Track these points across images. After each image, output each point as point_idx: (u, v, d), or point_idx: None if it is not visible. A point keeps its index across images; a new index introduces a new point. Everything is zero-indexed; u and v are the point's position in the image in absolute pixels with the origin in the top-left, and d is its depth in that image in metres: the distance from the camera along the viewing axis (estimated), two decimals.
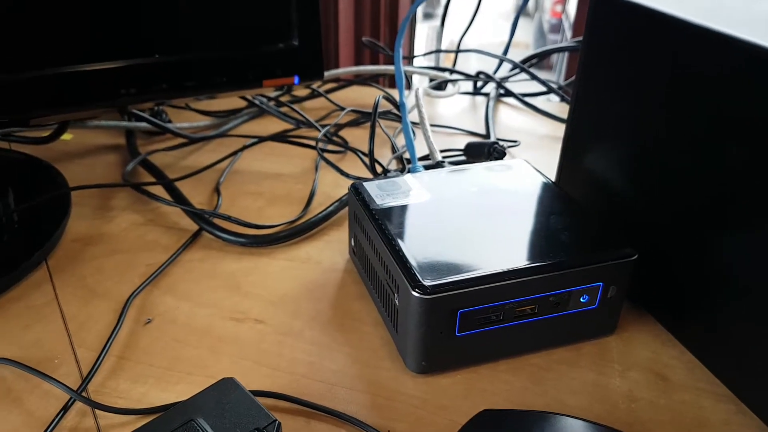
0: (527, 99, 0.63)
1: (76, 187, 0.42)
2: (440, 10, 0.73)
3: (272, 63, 0.43)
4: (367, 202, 0.35)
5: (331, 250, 0.41)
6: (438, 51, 0.65)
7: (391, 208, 0.34)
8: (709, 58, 0.28)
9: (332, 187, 0.48)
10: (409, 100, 0.62)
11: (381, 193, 0.36)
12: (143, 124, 0.52)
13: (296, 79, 0.44)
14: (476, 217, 0.33)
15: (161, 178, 0.46)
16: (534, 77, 0.63)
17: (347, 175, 0.46)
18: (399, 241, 0.31)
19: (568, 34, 3.79)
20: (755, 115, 0.26)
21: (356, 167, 0.50)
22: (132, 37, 0.38)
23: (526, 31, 4.32)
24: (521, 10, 0.67)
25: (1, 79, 0.35)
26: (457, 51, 0.68)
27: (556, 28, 4.02)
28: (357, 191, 0.36)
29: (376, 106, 0.44)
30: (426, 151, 0.47)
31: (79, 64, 0.37)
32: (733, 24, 0.28)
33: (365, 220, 0.34)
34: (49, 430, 0.27)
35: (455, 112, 0.63)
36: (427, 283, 0.28)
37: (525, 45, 3.94)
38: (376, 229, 0.33)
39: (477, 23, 0.74)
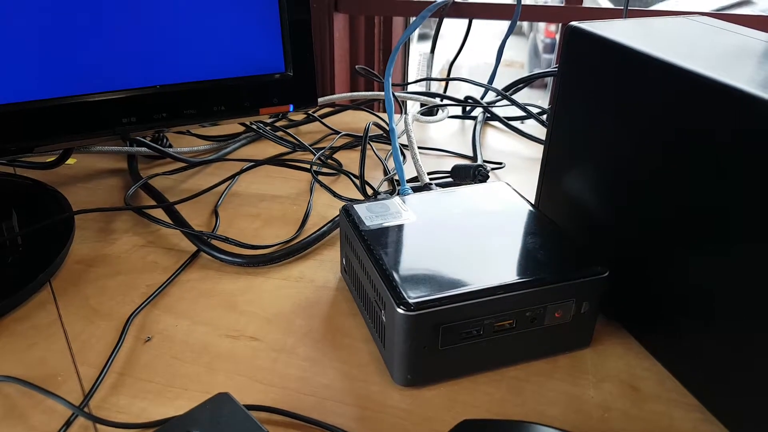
0: (514, 122, 0.66)
1: (79, 210, 0.44)
2: (434, 33, 0.76)
3: (268, 92, 0.45)
4: (357, 224, 0.37)
5: (323, 269, 0.42)
6: (428, 79, 0.68)
7: (379, 229, 0.36)
8: (669, 86, 0.30)
9: (326, 209, 0.50)
10: (400, 125, 0.64)
11: (370, 215, 0.38)
12: (144, 149, 0.54)
13: (291, 107, 0.46)
14: (459, 238, 0.35)
15: (161, 202, 0.48)
16: (515, 103, 0.66)
17: (340, 197, 0.48)
18: (385, 260, 0.33)
19: None
20: (712, 139, 0.28)
21: (349, 189, 0.52)
22: (133, 68, 0.40)
23: (521, 51, 4.39)
24: (507, 36, 0.70)
25: (6, 109, 0.37)
26: (447, 79, 0.71)
27: (550, 47, 4.09)
28: (347, 213, 0.38)
29: (366, 131, 0.46)
30: (415, 174, 0.49)
31: (83, 95, 0.39)
32: (694, 57, 0.30)
33: (355, 240, 0.36)
34: None
35: (445, 135, 0.65)
36: (411, 300, 0.30)
37: (520, 65, 4.01)
38: (364, 248, 0.35)
39: (471, 42, 0.77)
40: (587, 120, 0.37)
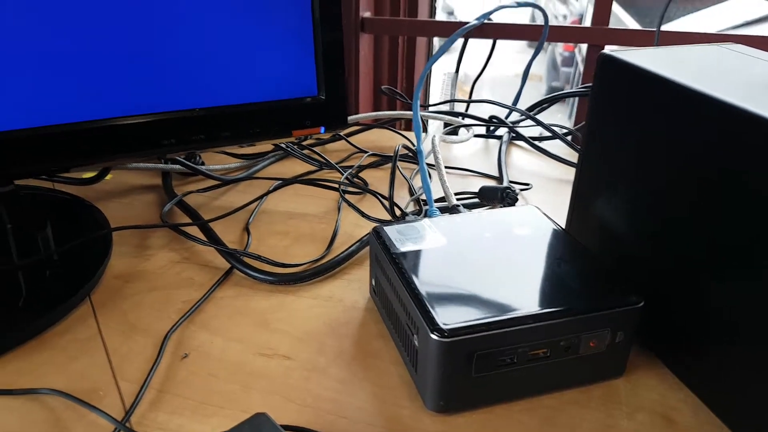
0: (539, 142, 0.66)
1: (117, 227, 0.46)
2: (459, 54, 0.76)
3: (301, 115, 0.46)
4: (388, 246, 0.38)
5: (352, 289, 0.43)
6: (452, 101, 0.69)
7: (410, 252, 0.37)
8: (701, 119, 0.30)
9: (353, 227, 0.51)
10: (426, 145, 0.65)
11: (401, 237, 0.39)
12: (178, 167, 0.56)
13: (322, 129, 0.47)
14: (491, 262, 0.36)
15: (196, 219, 0.49)
16: (540, 124, 0.66)
17: (368, 217, 0.48)
18: (418, 284, 0.33)
19: (581, 67, 3.84)
20: (744, 172, 0.28)
21: (375, 208, 0.53)
22: (173, 92, 0.41)
23: (539, 64, 4.38)
24: (534, 58, 0.70)
25: (50, 130, 0.39)
26: (473, 101, 0.72)
27: (569, 61, 4.08)
28: (378, 235, 0.39)
29: (396, 155, 0.47)
30: (442, 193, 0.50)
31: (125, 117, 0.40)
32: (727, 88, 0.30)
33: (386, 263, 0.37)
34: None
35: (469, 154, 0.66)
36: (445, 326, 0.30)
37: (538, 77, 4.00)
38: (396, 272, 0.35)
39: (493, 56, 0.77)
40: (620, 147, 0.37)
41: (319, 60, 0.45)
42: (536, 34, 0.75)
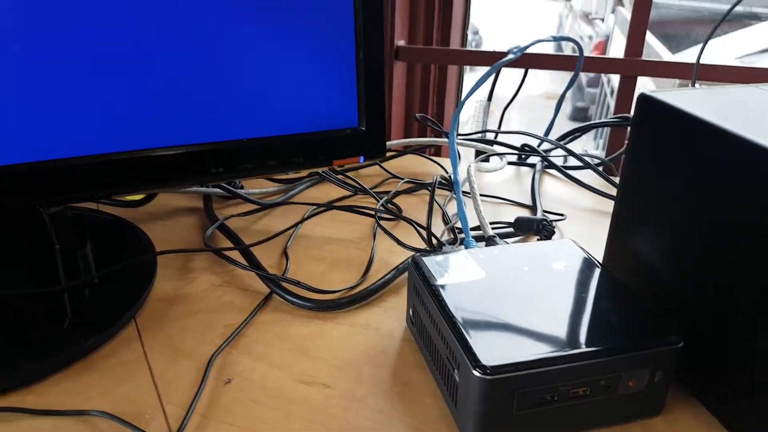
0: (571, 171, 0.67)
1: (162, 251, 0.47)
2: (492, 83, 0.77)
3: (341, 145, 0.48)
4: (427, 278, 0.38)
5: (388, 317, 0.44)
6: (485, 131, 0.70)
7: (450, 285, 0.37)
8: (742, 160, 0.31)
9: (389, 254, 0.52)
10: (460, 171, 0.65)
11: (440, 269, 0.39)
12: (219, 190, 0.57)
13: (361, 159, 0.49)
14: (530, 297, 0.36)
15: (237, 243, 0.50)
16: (573, 154, 0.66)
17: (404, 245, 0.49)
18: (459, 318, 0.34)
19: (607, 89, 3.83)
20: None
21: (410, 234, 0.54)
22: (224, 123, 0.43)
23: (563, 83, 4.38)
24: (569, 88, 0.71)
25: (105, 158, 0.40)
26: (502, 132, 0.72)
27: (594, 81, 4.07)
28: (417, 266, 0.40)
29: (434, 186, 0.48)
30: (476, 221, 0.51)
31: (178, 147, 0.42)
32: (765, 130, 0.30)
33: (425, 294, 0.38)
34: None
35: (500, 181, 0.66)
36: (488, 363, 0.31)
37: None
38: (436, 304, 0.36)
39: (515, 74, 0.78)
40: (659, 185, 0.37)
41: (360, 92, 0.47)
42: (571, 65, 0.76)
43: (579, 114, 4.40)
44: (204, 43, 0.40)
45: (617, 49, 3.62)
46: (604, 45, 4.09)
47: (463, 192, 0.61)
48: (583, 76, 4.37)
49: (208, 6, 0.40)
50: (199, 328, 0.42)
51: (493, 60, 0.81)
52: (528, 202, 0.62)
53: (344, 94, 0.46)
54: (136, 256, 0.47)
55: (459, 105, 0.51)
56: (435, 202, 0.60)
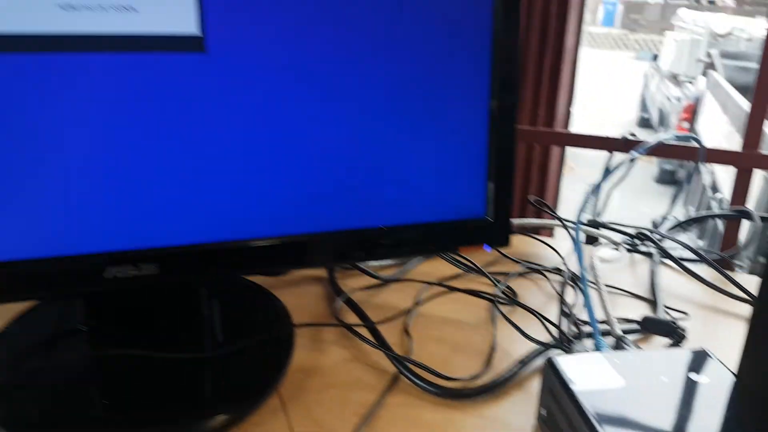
0: (685, 262, 0.65)
1: (301, 324, 0.51)
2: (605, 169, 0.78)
3: (467, 233, 0.50)
4: (566, 382, 0.39)
5: (516, 413, 0.44)
6: (597, 224, 0.70)
7: (589, 392, 0.38)
8: None
9: (508, 342, 0.53)
10: (568, 258, 0.66)
11: (576, 372, 0.40)
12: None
13: (487, 248, 0.51)
14: (672, 412, 0.36)
15: (363, 318, 0.53)
16: (689, 248, 0.65)
17: (529, 338, 0.50)
18: (603, 431, 0.34)
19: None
20: None
21: (526, 319, 0.54)
22: (366, 212, 0.47)
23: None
24: (688, 183, 0.70)
25: (265, 242, 0.44)
26: (618, 226, 0.72)
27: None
28: (553, 367, 0.40)
29: (562, 291, 0.49)
30: (596, 313, 0.51)
31: (326, 233, 0.46)
32: None
33: (564, 399, 0.38)
34: None
35: (612, 268, 0.66)
36: None
37: (648, 160, 3.88)
38: (578, 413, 0.36)
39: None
40: None
41: (489, 184, 0.49)
42: (689, 154, 0.75)
43: (666, 176, 4.24)
44: (353, 141, 0.44)
45: (709, 115, 3.49)
46: (693, 108, 3.97)
47: (572, 276, 0.61)
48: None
49: (357, 108, 0.44)
50: (335, 403, 0.44)
51: (604, 144, 0.82)
52: (642, 292, 0.61)
53: (474, 187, 0.49)
54: (277, 325, 0.51)
55: (586, 195, 0.52)
56: (555, 291, 0.61)
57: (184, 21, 0.38)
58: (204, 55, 0.39)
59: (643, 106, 6.16)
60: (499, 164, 0.48)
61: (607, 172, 0.49)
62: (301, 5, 0.40)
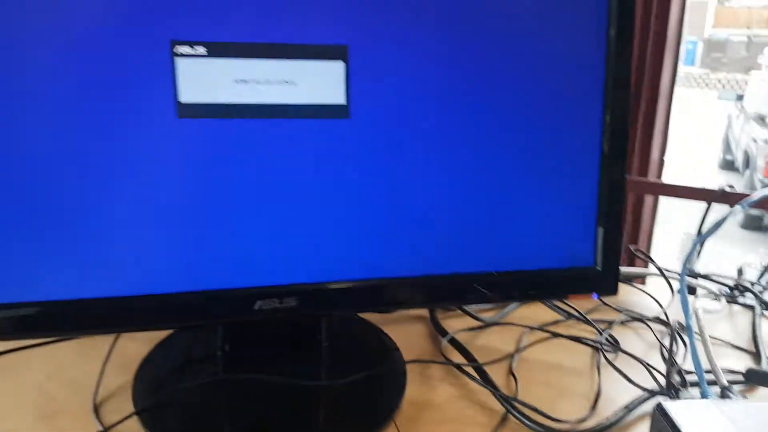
0: None
1: (413, 360, 0.55)
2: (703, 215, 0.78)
3: (576, 281, 0.53)
4: (678, 426, 0.40)
5: None
6: (696, 275, 0.70)
7: None
8: None
9: (612, 388, 0.54)
10: (671, 306, 0.66)
11: (686, 419, 0.41)
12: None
13: (595, 296, 0.53)
14: None
15: (469, 358, 0.57)
16: None
17: (636, 385, 0.51)
18: None
19: None
20: None
21: (628, 366, 0.55)
22: (481, 257, 0.51)
23: (735, 182, 4.07)
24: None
25: (381, 282, 0.49)
26: (715, 278, 0.71)
27: None
28: (665, 414, 0.42)
29: (669, 341, 0.50)
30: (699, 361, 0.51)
31: (445, 275, 0.50)
32: None
33: None
34: None
35: (710, 318, 0.66)
36: None
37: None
38: None
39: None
40: None
41: (599, 234, 0.52)
42: None
43: (753, 222, 4.00)
44: (477, 190, 0.49)
45: None
46: None
47: (669, 324, 0.62)
48: (758, 183, 4.02)
49: (481, 157, 0.48)
50: None
51: (699, 195, 0.82)
52: (742, 344, 0.61)
53: (584, 235, 0.52)
54: (389, 360, 0.55)
55: (693, 245, 0.53)
56: (656, 338, 0.61)
57: (335, 93, 0.44)
58: (348, 120, 0.45)
59: (727, 148, 5.87)
60: (608, 211, 0.51)
61: (716, 226, 0.51)
62: (425, 81, 0.46)
